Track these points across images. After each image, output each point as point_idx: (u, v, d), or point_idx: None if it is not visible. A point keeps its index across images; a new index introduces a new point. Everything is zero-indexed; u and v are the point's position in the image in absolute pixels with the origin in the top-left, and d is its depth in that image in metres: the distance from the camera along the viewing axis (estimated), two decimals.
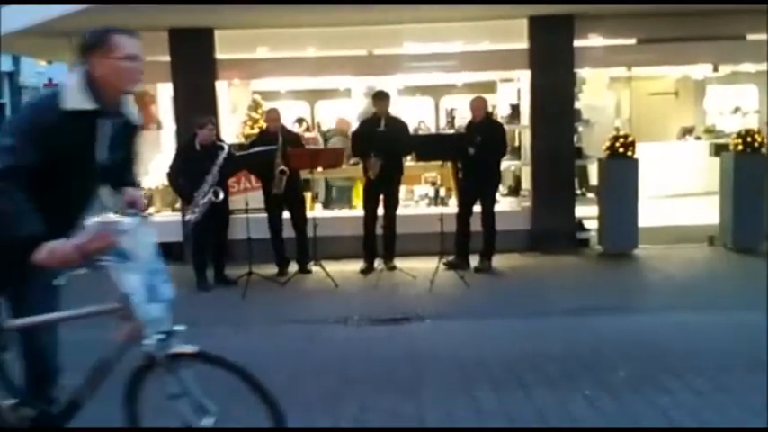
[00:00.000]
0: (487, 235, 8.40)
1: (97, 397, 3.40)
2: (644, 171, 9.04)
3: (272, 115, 8.46)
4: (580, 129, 10.22)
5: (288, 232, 8.47)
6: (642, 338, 5.88)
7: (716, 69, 10.77)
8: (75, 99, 3.11)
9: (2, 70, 22.83)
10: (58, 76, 20.67)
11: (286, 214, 8.45)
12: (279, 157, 8.01)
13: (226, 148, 7.77)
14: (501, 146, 8.45)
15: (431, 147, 8.45)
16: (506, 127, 10.43)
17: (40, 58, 19.86)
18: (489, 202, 8.38)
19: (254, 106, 10.38)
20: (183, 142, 8.35)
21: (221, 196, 7.59)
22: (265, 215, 8.38)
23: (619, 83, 11.81)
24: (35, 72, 23.18)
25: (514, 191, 10.17)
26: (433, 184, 9.70)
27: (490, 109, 10.83)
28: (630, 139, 9.10)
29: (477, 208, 8.39)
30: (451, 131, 8.34)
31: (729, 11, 8.81)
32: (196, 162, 7.70)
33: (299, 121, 10.96)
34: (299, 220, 8.43)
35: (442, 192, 9.64)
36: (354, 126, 9.57)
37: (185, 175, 7.83)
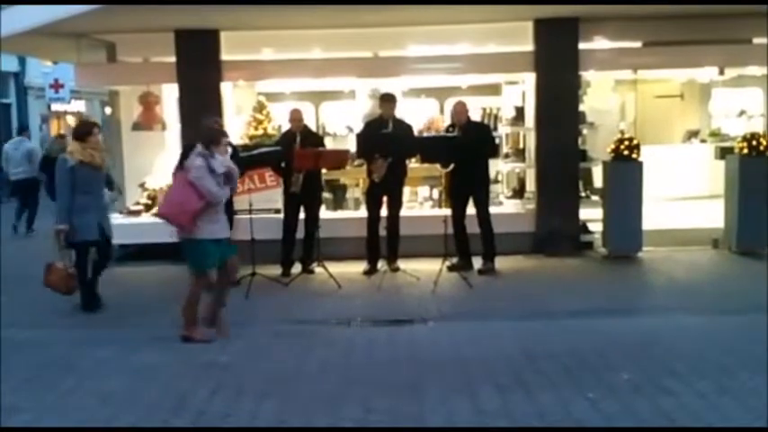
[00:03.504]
0: (485, 237, 8.40)
1: None
2: (648, 174, 9.02)
3: (295, 116, 8.50)
4: (585, 131, 10.20)
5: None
6: (646, 341, 5.87)
7: (721, 72, 10.73)
8: None
9: (7, 70, 22.87)
10: (63, 77, 20.75)
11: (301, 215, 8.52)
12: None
13: (230, 149, 7.77)
14: (490, 146, 8.53)
15: (436, 149, 8.44)
16: (510, 129, 10.47)
17: (45, 59, 19.96)
18: (482, 204, 8.38)
19: (259, 107, 10.39)
20: (188, 143, 8.36)
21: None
22: (268, 216, 8.41)
23: (624, 85, 11.78)
24: (41, 72, 23.22)
25: (519, 193, 10.16)
26: (435, 186, 9.68)
27: (495, 111, 10.89)
28: (635, 141, 9.08)
29: (471, 210, 8.40)
30: (454, 134, 8.33)
31: (735, 14, 8.79)
32: None
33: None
34: (312, 220, 8.46)
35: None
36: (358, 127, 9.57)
37: None
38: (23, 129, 14.38)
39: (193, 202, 5.84)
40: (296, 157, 8.10)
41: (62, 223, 6.86)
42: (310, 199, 8.44)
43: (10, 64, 22.52)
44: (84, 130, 7.20)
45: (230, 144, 7.91)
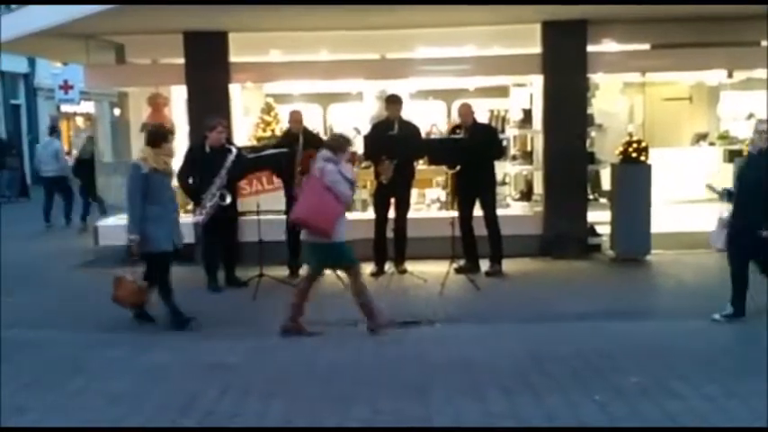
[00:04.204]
0: (493, 239, 8.39)
1: None
2: (657, 176, 8.99)
3: (295, 117, 8.50)
4: (593, 134, 10.19)
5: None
6: (653, 344, 5.86)
7: (730, 75, 10.69)
8: None
9: (17, 71, 22.98)
10: (73, 78, 20.81)
11: None
12: (299, 159, 8.08)
13: (234, 150, 7.79)
14: (496, 148, 8.56)
15: (443, 150, 8.45)
16: (518, 131, 10.46)
17: (55, 60, 20.05)
18: (489, 206, 8.38)
19: (267, 109, 10.41)
20: (193, 144, 8.40)
21: (228, 200, 7.61)
22: (276, 217, 8.41)
23: (632, 88, 11.73)
24: (50, 73, 23.32)
25: (526, 195, 10.15)
26: (445, 187, 9.69)
27: (502, 113, 10.89)
28: (643, 144, 9.07)
29: (478, 212, 8.41)
30: (461, 136, 8.35)
31: (743, 16, 8.76)
32: (205, 164, 7.72)
33: None
34: None
35: None
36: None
37: (194, 177, 7.86)
38: (54, 129, 15.30)
39: (334, 206, 6.04)
40: (304, 159, 8.11)
41: (133, 233, 6.43)
42: None
43: (20, 65, 22.65)
44: (158, 135, 6.71)
45: (233, 145, 7.96)
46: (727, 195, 6.69)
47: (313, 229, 6.14)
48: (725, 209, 6.68)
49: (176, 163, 8.38)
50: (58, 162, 13.51)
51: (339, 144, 6.30)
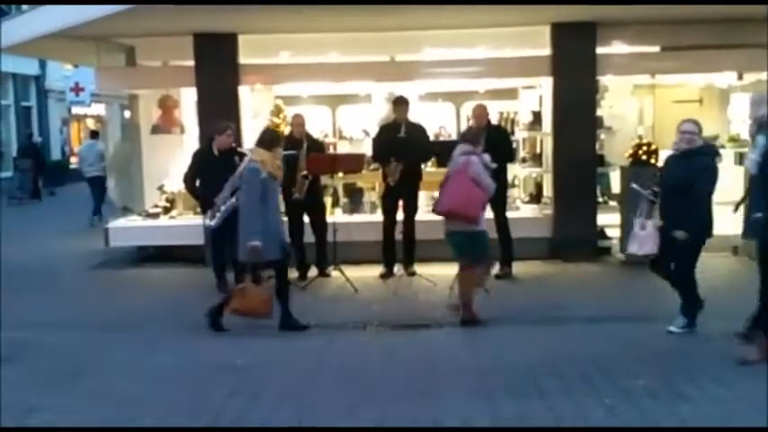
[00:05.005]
0: (503, 241, 8.37)
1: None
2: None
3: (298, 121, 8.52)
4: (602, 136, 10.16)
5: (306, 237, 8.52)
6: (663, 347, 5.84)
7: (740, 77, 10.64)
8: None
9: (28, 74, 23.13)
10: (83, 80, 20.94)
11: (305, 219, 8.51)
12: (302, 163, 8.08)
13: (248, 153, 7.81)
14: (508, 150, 8.53)
15: (451, 152, 8.43)
16: (527, 134, 10.44)
17: (66, 62, 20.18)
18: (500, 209, 8.36)
19: (276, 111, 10.43)
20: (199, 147, 8.43)
21: None
22: (284, 219, 8.42)
23: (642, 90, 11.68)
24: (61, 76, 23.47)
25: (536, 198, 10.13)
26: None
27: (512, 115, 10.88)
28: (653, 146, 9.03)
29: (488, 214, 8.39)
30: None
31: (754, 18, 8.72)
32: (213, 167, 7.71)
33: None
34: (319, 225, 8.47)
35: None
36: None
37: (202, 181, 7.88)
38: (95, 134, 16.51)
39: (480, 195, 6.49)
40: (311, 162, 8.12)
41: (255, 240, 6.14)
42: (314, 204, 8.45)
43: (31, 67, 22.78)
44: (274, 138, 6.59)
45: (243, 149, 7.97)
46: (649, 198, 6.59)
47: (462, 219, 6.44)
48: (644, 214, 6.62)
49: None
50: (103, 162, 14.40)
51: (476, 137, 6.79)
